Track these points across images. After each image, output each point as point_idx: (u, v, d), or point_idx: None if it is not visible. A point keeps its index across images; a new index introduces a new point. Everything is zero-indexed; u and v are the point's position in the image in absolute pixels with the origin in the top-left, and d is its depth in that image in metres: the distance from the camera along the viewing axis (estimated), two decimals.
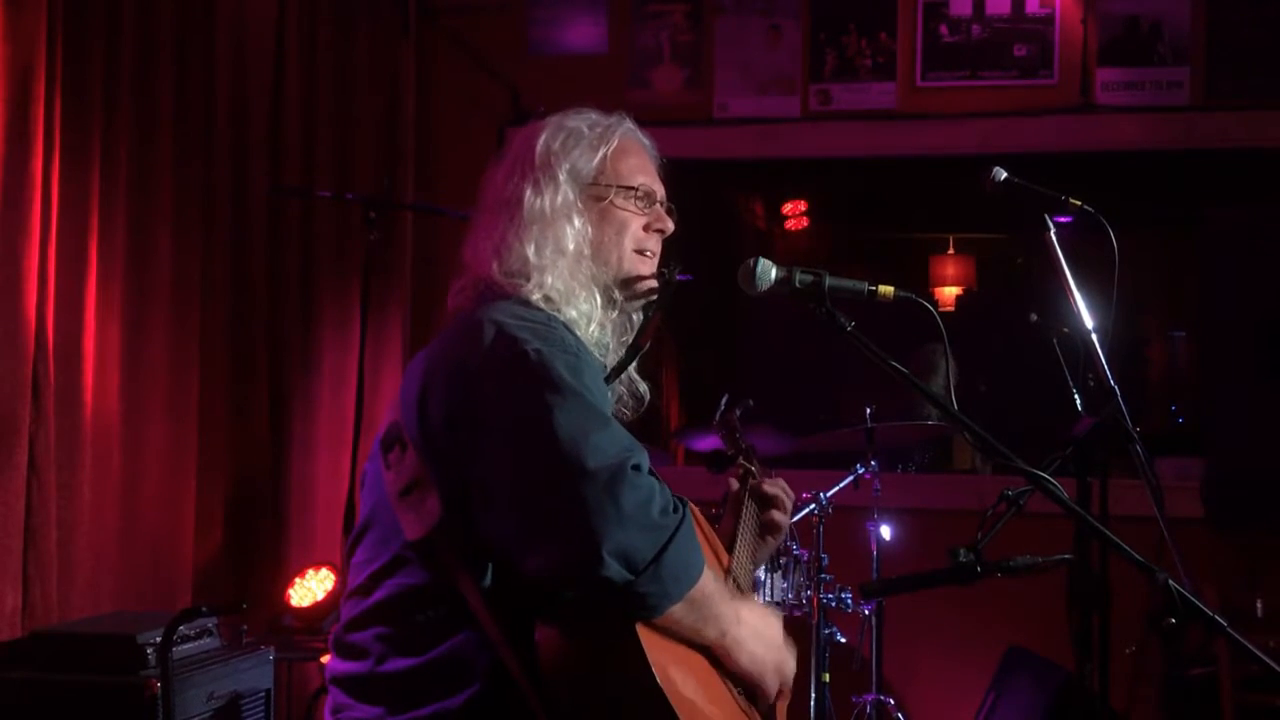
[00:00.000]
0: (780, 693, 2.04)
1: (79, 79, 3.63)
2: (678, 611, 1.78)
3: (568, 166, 2.02)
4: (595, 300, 1.99)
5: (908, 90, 4.90)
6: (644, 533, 1.71)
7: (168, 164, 4.03)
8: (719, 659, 1.90)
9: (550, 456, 1.72)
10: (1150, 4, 4.73)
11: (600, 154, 2.04)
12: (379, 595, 1.88)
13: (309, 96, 4.71)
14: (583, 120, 2.08)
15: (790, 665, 2.00)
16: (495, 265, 1.97)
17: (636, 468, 1.74)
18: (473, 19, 5.16)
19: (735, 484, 2.38)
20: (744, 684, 1.95)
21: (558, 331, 1.86)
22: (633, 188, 2.05)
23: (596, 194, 2.03)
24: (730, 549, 2.22)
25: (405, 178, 5.01)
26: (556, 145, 2.03)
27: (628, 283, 2.04)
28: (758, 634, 1.93)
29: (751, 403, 2.83)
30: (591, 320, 1.98)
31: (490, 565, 1.79)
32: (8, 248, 3.34)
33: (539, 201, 1.99)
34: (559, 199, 2.00)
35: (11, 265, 3.35)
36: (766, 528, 2.33)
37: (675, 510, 1.78)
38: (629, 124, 2.11)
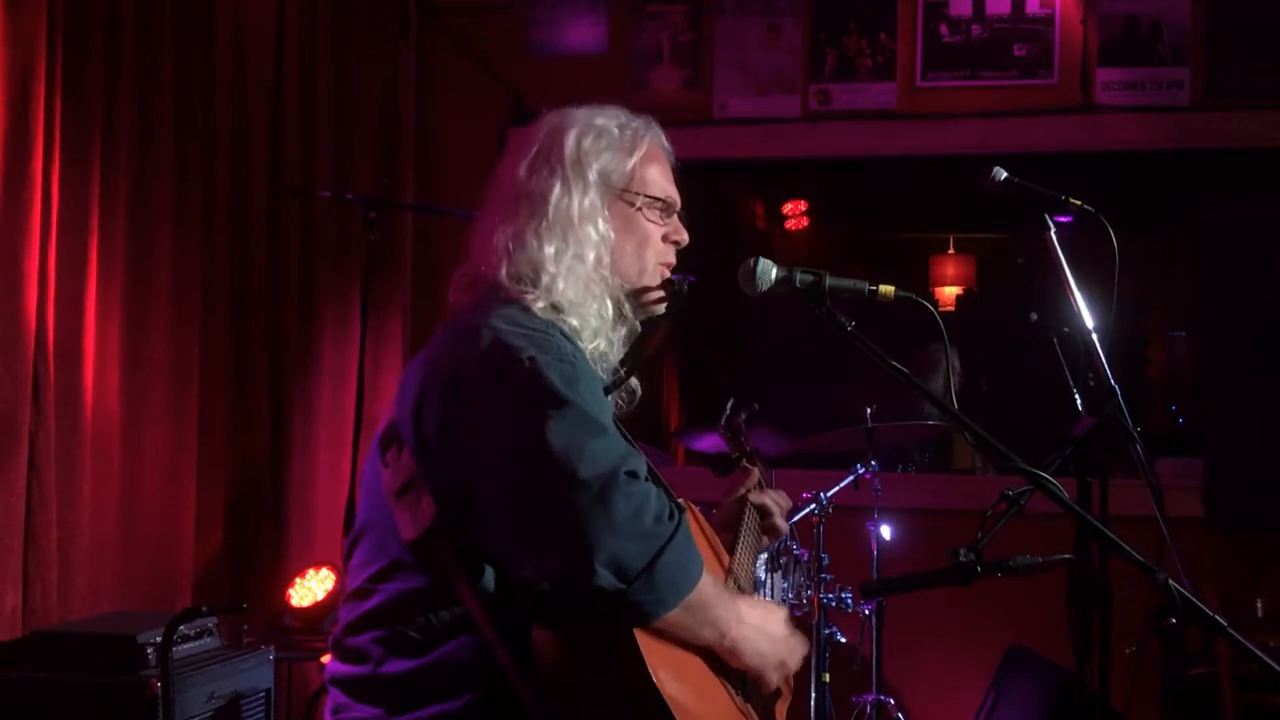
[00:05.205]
0: (780, 694, 2.04)
1: (79, 79, 3.63)
2: (674, 616, 1.77)
3: (598, 169, 1.96)
4: (607, 313, 1.94)
5: (908, 90, 4.90)
6: (636, 541, 1.70)
7: (168, 164, 4.03)
8: (721, 659, 1.89)
9: (543, 466, 1.70)
10: (1150, 4, 4.72)
11: (632, 160, 1.98)
12: (377, 598, 1.87)
13: (309, 96, 4.71)
14: (612, 120, 2.01)
15: (796, 658, 1.99)
16: (504, 265, 1.91)
17: (631, 474, 1.72)
18: (473, 19, 5.16)
19: (741, 488, 2.39)
20: (746, 679, 1.95)
21: (555, 339, 1.83)
22: (658, 199, 2.00)
23: (625, 201, 1.98)
24: (731, 550, 2.23)
25: (405, 178, 5.00)
26: (588, 144, 1.97)
27: (640, 294, 2.00)
28: (760, 631, 1.92)
29: (757, 407, 2.82)
30: (599, 334, 1.93)
31: (486, 568, 1.79)
32: (8, 248, 3.34)
33: (566, 202, 1.92)
34: (586, 202, 1.94)
35: (11, 265, 3.35)
36: (766, 531, 2.37)
37: (671, 517, 1.76)
38: (656, 128, 2.05)
